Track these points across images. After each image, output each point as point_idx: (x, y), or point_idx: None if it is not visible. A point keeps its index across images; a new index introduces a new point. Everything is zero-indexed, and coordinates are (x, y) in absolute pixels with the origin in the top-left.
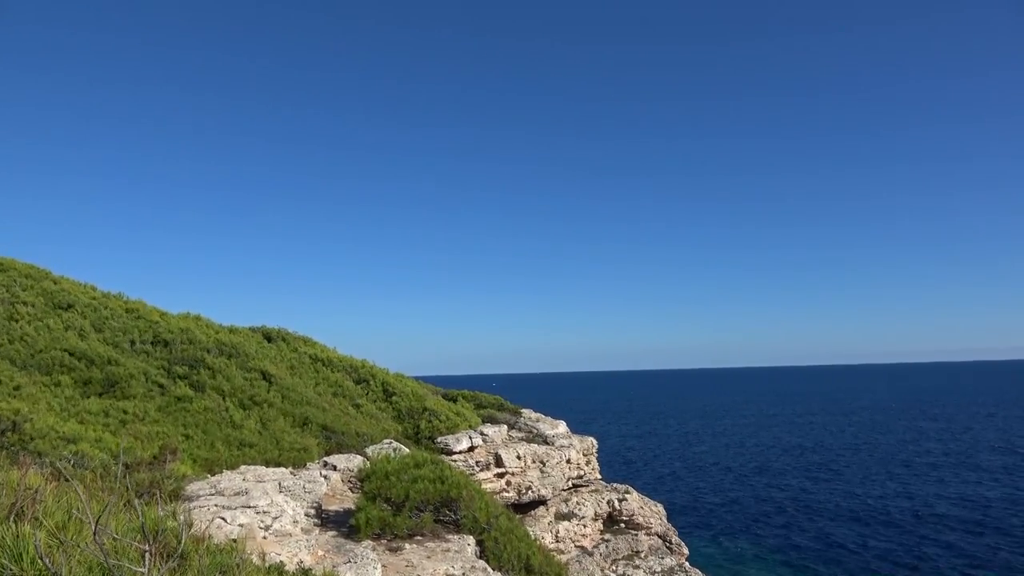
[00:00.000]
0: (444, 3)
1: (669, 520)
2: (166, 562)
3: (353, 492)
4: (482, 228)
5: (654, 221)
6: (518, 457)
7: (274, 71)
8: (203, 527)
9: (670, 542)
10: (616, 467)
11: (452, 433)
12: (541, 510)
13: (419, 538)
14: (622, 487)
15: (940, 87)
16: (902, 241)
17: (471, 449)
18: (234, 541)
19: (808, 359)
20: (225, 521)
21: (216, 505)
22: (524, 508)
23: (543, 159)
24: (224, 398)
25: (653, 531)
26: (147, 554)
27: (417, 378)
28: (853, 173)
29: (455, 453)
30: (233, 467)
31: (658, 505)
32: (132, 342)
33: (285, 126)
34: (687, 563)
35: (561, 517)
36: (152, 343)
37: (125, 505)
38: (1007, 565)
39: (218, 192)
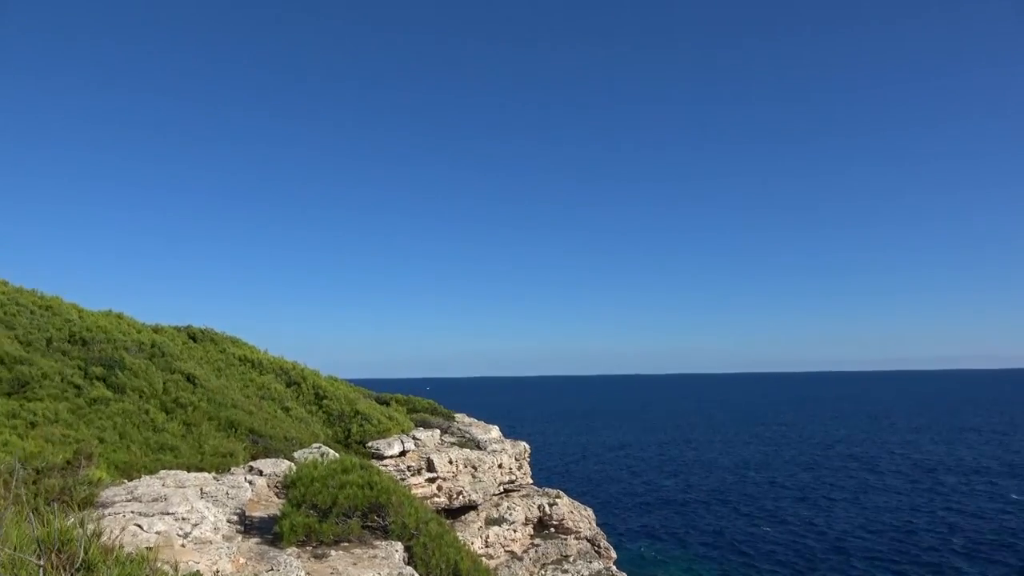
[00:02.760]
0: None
1: (599, 524)
2: (68, 575)
3: (279, 498)
4: (422, 229)
5: (602, 223)
6: (450, 462)
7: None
8: (116, 535)
9: (599, 546)
10: (550, 471)
11: (384, 437)
12: (472, 515)
13: (345, 544)
14: (553, 492)
15: (925, 85)
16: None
17: (403, 454)
18: (148, 550)
19: (759, 366)
20: (141, 529)
21: (132, 512)
22: (455, 513)
23: (479, 159)
24: (145, 400)
25: (582, 535)
26: (41, 568)
27: (351, 381)
28: (783, 181)
29: (386, 458)
30: (153, 472)
31: (588, 510)
32: (48, 340)
33: (224, 123)
34: (614, 567)
35: (492, 522)
36: (69, 342)
37: (33, 513)
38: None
39: (151, 190)
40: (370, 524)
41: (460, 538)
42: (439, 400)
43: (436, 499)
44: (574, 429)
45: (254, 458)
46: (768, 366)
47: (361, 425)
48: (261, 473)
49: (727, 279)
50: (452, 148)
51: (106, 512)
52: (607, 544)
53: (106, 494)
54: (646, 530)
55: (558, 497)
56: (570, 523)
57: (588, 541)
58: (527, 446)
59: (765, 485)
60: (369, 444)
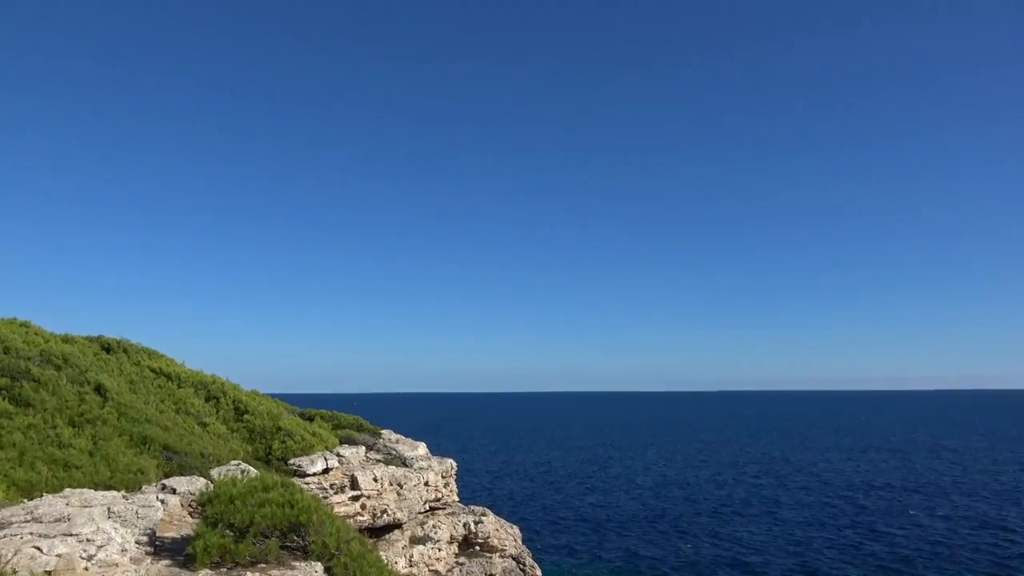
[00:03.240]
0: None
1: (524, 542)
2: None
3: (193, 517)
4: (353, 238)
5: (526, 237)
6: (375, 479)
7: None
8: (8, 559)
9: (524, 564)
10: (477, 489)
11: (307, 454)
12: (396, 534)
13: (263, 566)
14: (479, 509)
15: (856, 102)
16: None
17: (326, 471)
18: (47, 574)
19: (685, 385)
20: (40, 551)
21: (31, 533)
22: (379, 532)
23: (403, 161)
24: (50, 414)
25: (507, 553)
26: None
27: (274, 396)
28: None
29: (309, 475)
30: (56, 490)
31: (514, 527)
32: None
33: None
34: None
35: (416, 541)
36: None
37: None
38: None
39: (71, 193)
40: (289, 544)
41: (384, 557)
42: (366, 416)
43: (360, 517)
44: (501, 446)
45: (168, 476)
46: (694, 385)
47: (283, 442)
48: (175, 491)
49: (646, 296)
50: (367, 168)
51: (0, 534)
52: (532, 562)
53: (2, 514)
54: (569, 547)
55: (484, 515)
56: (496, 541)
57: (513, 559)
58: (454, 463)
59: (682, 502)
60: (292, 461)
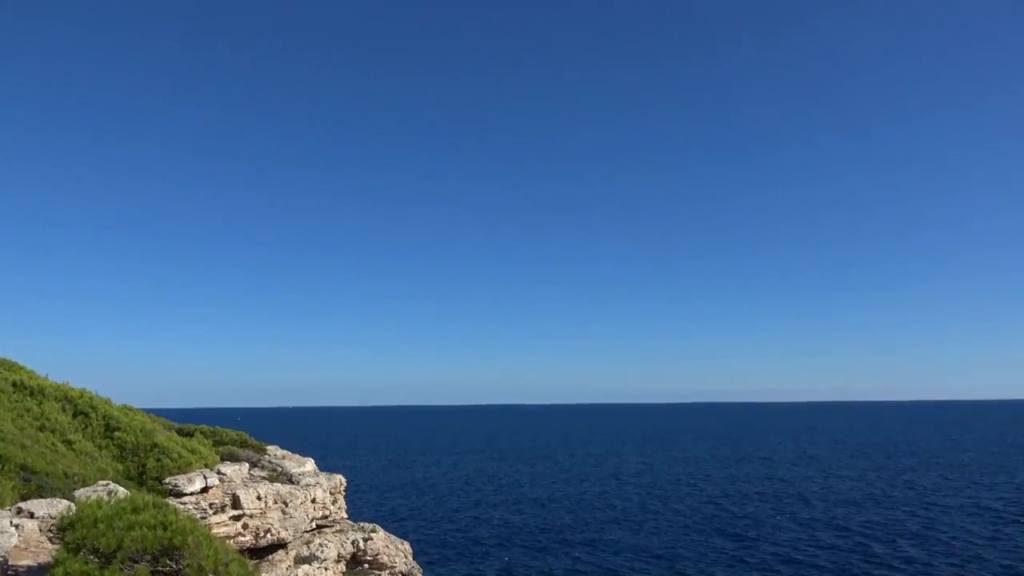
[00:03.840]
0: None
1: (415, 557)
2: None
3: (53, 543)
4: (233, 246)
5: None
6: (258, 497)
7: None
8: None
9: None
10: (368, 505)
11: (184, 472)
12: (280, 554)
13: None
14: (369, 526)
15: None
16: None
17: (205, 490)
18: None
19: (583, 397)
20: None
21: None
22: (262, 552)
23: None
24: None
25: (397, 570)
26: None
27: (149, 411)
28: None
29: (186, 495)
30: None
31: (404, 543)
32: None
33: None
34: None
35: (302, 560)
36: None
37: None
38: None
39: None
40: (162, 569)
41: None
42: (251, 432)
43: (241, 538)
44: (392, 460)
45: (25, 498)
46: (591, 397)
47: (159, 459)
48: (32, 515)
49: (549, 308)
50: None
51: None
52: None
53: None
54: (458, 562)
55: (374, 531)
56: (385, 558)
57: None
58: (343, 479)
59: (565, 513)
60: (167, 480)
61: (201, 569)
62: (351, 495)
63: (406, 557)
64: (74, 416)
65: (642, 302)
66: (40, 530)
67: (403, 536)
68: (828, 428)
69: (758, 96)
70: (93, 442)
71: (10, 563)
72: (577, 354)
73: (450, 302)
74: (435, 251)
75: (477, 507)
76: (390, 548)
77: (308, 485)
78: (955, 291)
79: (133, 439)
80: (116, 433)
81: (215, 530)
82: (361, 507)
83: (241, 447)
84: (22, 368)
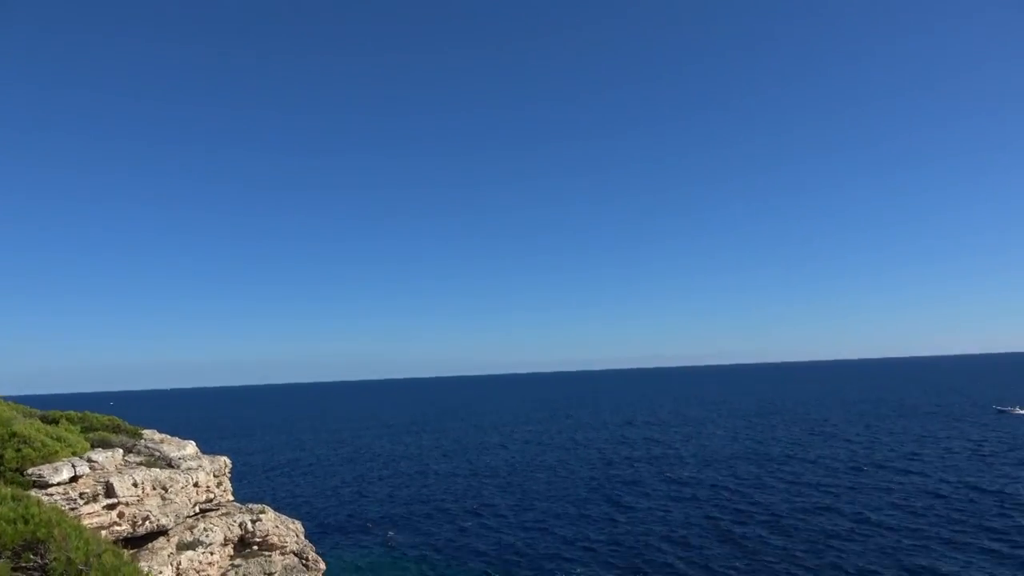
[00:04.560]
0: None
1: (308, 536)
2: None
3: None
4: (97, 231)
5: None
6: (135, 484)
7: None
8: None
9: (306, 559)
10: (257, 486)
11: (49, 462)
12: (161, 541)
13: None
14: (257, 507)
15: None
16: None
17: (74, 479)
18: None
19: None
20: None
21: None
22: (141, 541)
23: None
24: None
25: (288, 550)
26: None
27: (8, 399)
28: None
29: (53, 485)
30: None
31: (296, 523)
32: None
33: None
34: None
35: (185, 547)
36: None
37: None
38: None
39: None
40: (25, 565)
41: (145, 568)
42: (125, 416)
43: (117, 527)
44: (282, 440)
45: None
46: (485, 369)
47: (19, 449)
48: None
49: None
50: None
51: None
52: (315, 556)
53: None
54: (354, 538)
55: (262, 513)
56: (276, 539)
57: (296, 555)
58: (228, 461)
59: (465, 479)
60: (30, 471)
61: (70, 562)
62: (240, 477)
63: (298, 536)
64: None
65: (503, 275)
66: None
67: (295, 516)
68: (706, 391)
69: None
70: None
71: None
72: (457, 327)
73: (327, 284)
74: (308, 235)
75: (371, 483)
76: (280, 528)
77: (190, 469)
78: (819, 259)
79: None
80: None
81: (87, 521)
82: (250, 489)
83: (114, 432)
84: None
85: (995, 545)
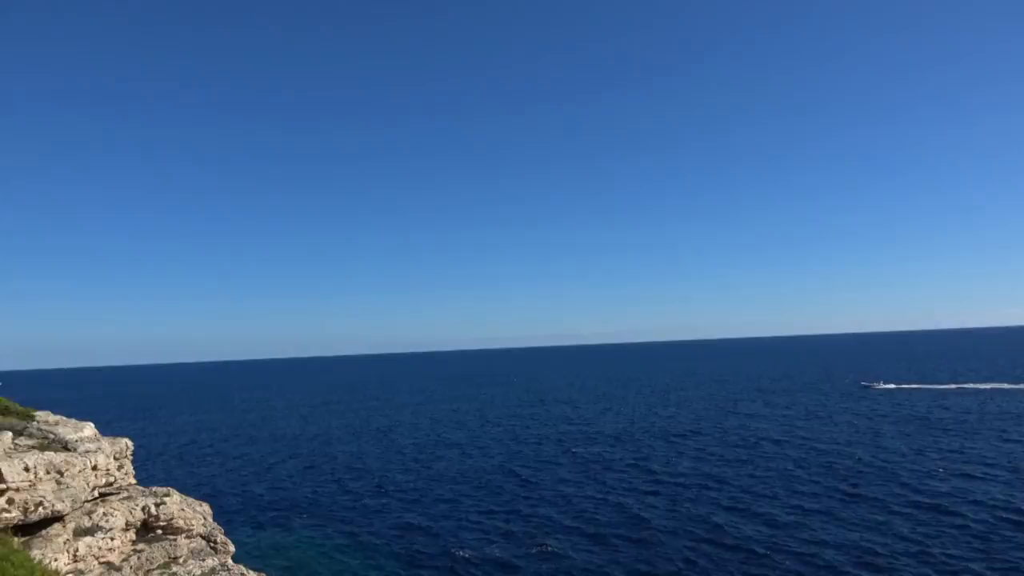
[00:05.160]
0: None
1: (216, 519)
2: None
3: None
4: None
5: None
6: (26, 469)
7: None
8: None
9: (215, 542)
10: (162, 467)
11: None
12: (57, 527)
13: None
14: (162, 490)
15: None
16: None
17: None
18: None
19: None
20: None
21: None
22: (35, 528)
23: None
24: None
25: (195, 533)
26: None
27: None
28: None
29: None
30: None
31: (203, 504)
32: None
33: None
34: (231, 561)
35: (83, 532)
36: None
37: None
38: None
39: None
40: None
41: (38, 556)
42: (15, 397)
43: (7, 515)
44: (187, 421)
45: None
46: (395, 347)
47: None
48: None
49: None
50: None
51: None
52: (224, 539)
53: None
54: (263, 518)
55: (167, 496)
56: (181, 522)
57: (203, 538)
58: (129, 443)
59: (372, 459)
60: None
61: None
62: (144, 460)
63: (205, 519)
64: None
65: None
66: None
67: (203, 498)
68: (620, 369)
69: None
70: None
71: None
72: (375, 305)
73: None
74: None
75: (273, 462)
76: (187, 511)
77: (88, 452)
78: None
79: None
80: None
81: None
82: (154, 472)
83: (3, 414)
84: None
85: (803, 488)
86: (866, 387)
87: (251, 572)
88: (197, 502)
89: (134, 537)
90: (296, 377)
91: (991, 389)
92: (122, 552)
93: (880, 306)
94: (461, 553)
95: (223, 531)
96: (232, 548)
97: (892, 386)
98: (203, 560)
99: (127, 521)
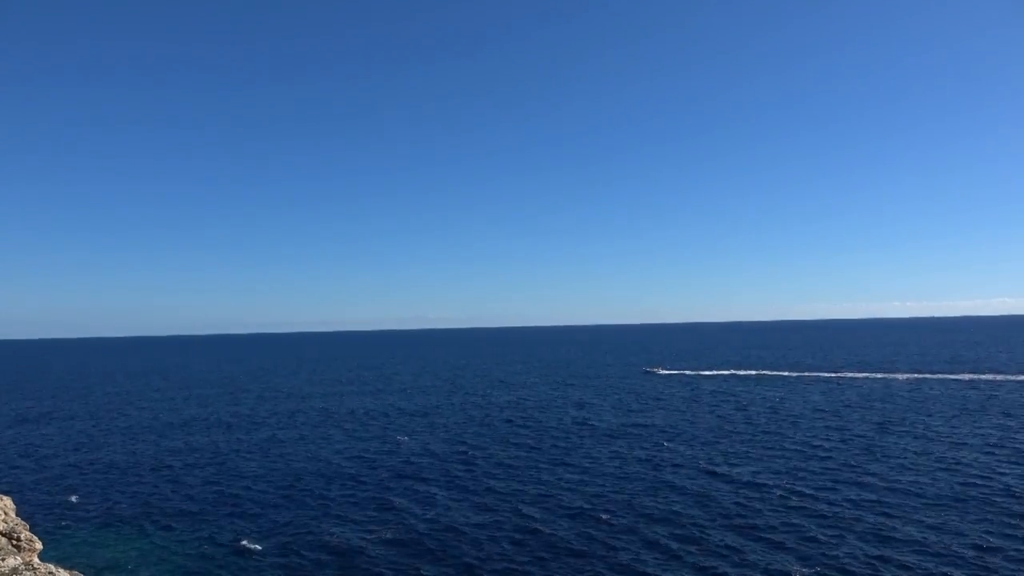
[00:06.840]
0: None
1: (23, 514)
2: None
3: None
4: None
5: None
6: None
7: None
8: None
9: (17, 539)
10: None
11: None
12: None
13: None
14: None
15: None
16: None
17: None
18: None
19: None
20: None
21: None
22: None
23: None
24: None
25: None
26: None
27: None
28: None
29: None
30: None
31: (5, 499)
32: None
33: None
34: (37, 559)
35: None
36: None
37: None
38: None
39: None
40: None
41: None
42: None
43: None
44: (12, 406)
45: None
46: (244, 328)
47: None
48: None
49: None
50: None
51: None
52: (30, 535)
53: None
54: (76, 511)
55: None
56: None
57: (4, 536)
58: None
59: (177, 445)
60: None
61: None
62: None
63: (7, 514)
64: None
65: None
66: None
67: (4, 491)
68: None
69: None
70: None
71: None
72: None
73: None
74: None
75: (92, 451)
76: None
77: None
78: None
79: None
80: None
81: None
82: None
83: None
84: None
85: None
86: (648, 372)
87: (61, 570)
88: None
89: None
90: (174, 356)
91: (756, 376)
92: None
93: (737, 297)
94: (287, 540)
95: (28, 527)
96: (39, 545)
97: (673, 372)
98: (3, 559)
99: None
